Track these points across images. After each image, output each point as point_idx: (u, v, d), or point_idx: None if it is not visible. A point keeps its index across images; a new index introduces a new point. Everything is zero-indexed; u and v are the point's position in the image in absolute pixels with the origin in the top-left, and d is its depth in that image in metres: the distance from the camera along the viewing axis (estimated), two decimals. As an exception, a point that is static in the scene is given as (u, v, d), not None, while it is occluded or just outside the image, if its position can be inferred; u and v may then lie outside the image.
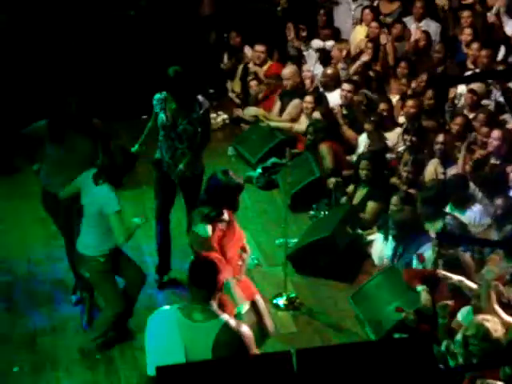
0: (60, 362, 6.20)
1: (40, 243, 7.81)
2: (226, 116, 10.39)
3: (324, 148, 8.51)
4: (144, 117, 10.48)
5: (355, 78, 9.41)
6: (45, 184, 6.59)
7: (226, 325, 4.31)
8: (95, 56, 10.29)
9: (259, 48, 10.33)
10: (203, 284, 4.32)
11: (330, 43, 10.51)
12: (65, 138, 6.36)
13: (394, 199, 7.34)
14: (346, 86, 9.03)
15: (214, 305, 4.36)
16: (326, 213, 7.98)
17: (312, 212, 8.08)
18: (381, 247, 7.24)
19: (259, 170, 8.92)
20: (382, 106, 8.61)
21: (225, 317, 4.36)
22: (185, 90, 6.64)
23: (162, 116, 6.79)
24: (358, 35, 10.30)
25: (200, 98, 6.82)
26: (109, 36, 10.42)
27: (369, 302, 6.78)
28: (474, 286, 6.02)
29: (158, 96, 6.85)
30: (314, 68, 10.16)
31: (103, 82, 10.25)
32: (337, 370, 3.27)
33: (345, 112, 9.01)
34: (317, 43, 10.59)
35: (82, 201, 6.04)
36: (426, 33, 9.69)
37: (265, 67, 10.31)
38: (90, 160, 6.27)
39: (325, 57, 10.16)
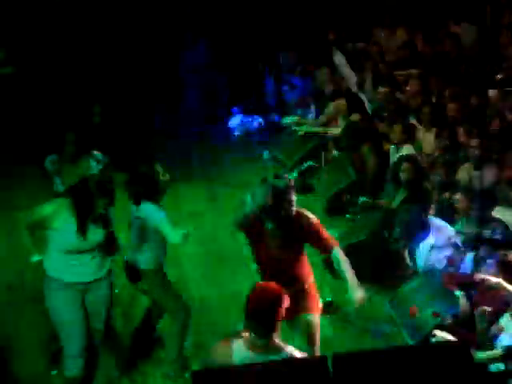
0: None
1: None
2: (261, 120, 10.42)
3: (366, 149, 8.45)
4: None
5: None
6: None
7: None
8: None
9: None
10: (263, 320, 4.07)
11: (360, 44, 10.51)
12: None
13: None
14: (381, 89, 9.01)
15: (276, 338, 4.12)
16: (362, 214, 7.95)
17: (348, 215, 8.04)
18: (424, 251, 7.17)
19: (295, 174, 8.90)
20: (425, 109, 8.51)
21: (290, 350, 4.11)
22: None
23: None
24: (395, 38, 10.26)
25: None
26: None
27: (406, 306, 6.72)
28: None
29: None
30: (343, 71, 10.11)
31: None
32: (372, 376, 3.26)
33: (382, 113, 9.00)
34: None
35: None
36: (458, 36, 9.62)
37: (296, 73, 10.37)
38: None
39: (355, 59, 10.13)
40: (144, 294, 6.15)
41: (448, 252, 6.89)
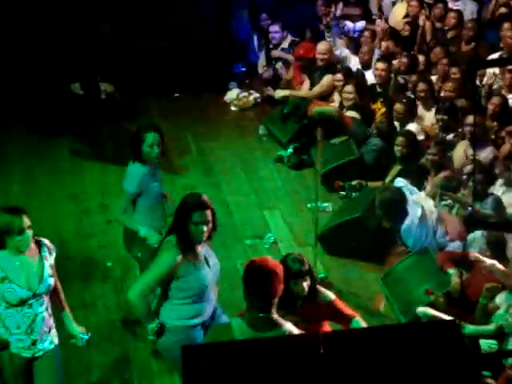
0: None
1: (72, 220, 7.87)
2: (257, 95, 10.36)
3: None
4: (176, 95, 10.59)
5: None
6: None
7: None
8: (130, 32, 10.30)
9: (273, 28, 10.40)
10: (261, 294, 4.10)
11: (360, 24, 10.42)
12: None
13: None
14: (379, 65, 8.96)
15: (275, 314, 4.16)
16: (358, 194, 7.93)
17: (343, 192, 8.02)
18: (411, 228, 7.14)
19: (290, 150, 8.87)
20: (421, 86, 8.47)
21: (288, 327, 4.15)
22: None
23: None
24: (398, 13, 10.16)
25: None
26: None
27: (399, 283, 6.72)
28: (505, 269, 5.95)
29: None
30: (340, 51, 10.03)
31: (135, 59, 10.29)
32: (361, 354, 3.25)
33: (379, 90, 8.94)
34: (347, 25, 10.52)
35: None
36: (458, 12, 9.54)
37: (285, 45, 10.38)
38: None
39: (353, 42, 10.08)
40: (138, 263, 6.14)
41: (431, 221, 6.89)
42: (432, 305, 6.19)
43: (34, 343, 4.89)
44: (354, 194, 7.87)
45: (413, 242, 6.95)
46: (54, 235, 7.52)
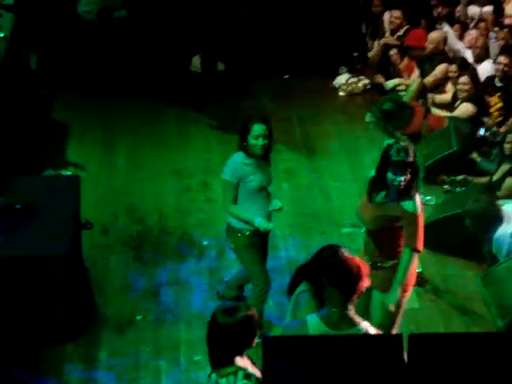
0: (181, 315, 6.31)
1: (172, 196, 7.97)
2: (367, 81, 10.22)
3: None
4: (286, 76, 10.57)
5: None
6: None
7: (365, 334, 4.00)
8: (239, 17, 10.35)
9: (395, 14, 10.15)
10: (343, 287, 4.00)
11: (487, 9, 10.03)
12: None
13: None
14: (502, 59, 8.61)
15: (352, 310, 4.05)
16: (462, 188, 7.72)
17: (446, 186, 7.82)
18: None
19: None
20: None
21: (364, 325, 4.02)
22: None
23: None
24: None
25: None
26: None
27: (499, 285, 6.52)
28: None
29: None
30: (454, 43, 9.72)
31: (247, 41, 10.32)
32: (448, 360, 3.15)
33: (499, 84, 8.61)
34: (473, 10, 10.16)
35: None
36: None
37: (400, 33, 10.12)
38: None
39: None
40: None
41: None
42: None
43: None
44: (458, 189, 7.67)
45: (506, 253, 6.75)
46: (155, 210, 7.68)
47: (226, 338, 3.69)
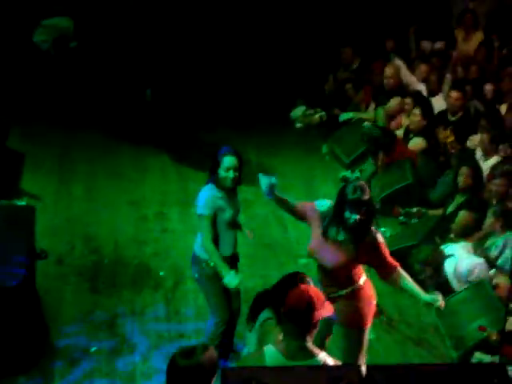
0: (137, 347, 6.25)
1: (129, 226, 7.93)
2: (323, 113, 10.30)
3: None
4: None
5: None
6: None
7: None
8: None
9: (346, 50, 10.44)
10: (298, 320, 4.01)
11: (439, 45, 10.23)
12: None
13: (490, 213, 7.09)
14: (454, 94, 8.73)
15: (310, 342, 4.06)
16: (417, 220, 7.81)
17: (401, 218, 7.91)
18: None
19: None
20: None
21: (322, 356, 4.05)
22: None
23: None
24: (474, 40, 9.97)
25: None
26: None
27: (452, 316, 6.59)
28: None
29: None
30: (406, 77, 9.86)
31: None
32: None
33: (453, 119, 8.73)
34: (425, 45, 10.35)
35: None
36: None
37: (353, 67, 10.37)
38: None
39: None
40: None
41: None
42: (485, 342, 6.05)
43: None
44: (413, 220, 7.76)
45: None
46: (111, 240, 7.63)
47: (187, 380, 3.66)
